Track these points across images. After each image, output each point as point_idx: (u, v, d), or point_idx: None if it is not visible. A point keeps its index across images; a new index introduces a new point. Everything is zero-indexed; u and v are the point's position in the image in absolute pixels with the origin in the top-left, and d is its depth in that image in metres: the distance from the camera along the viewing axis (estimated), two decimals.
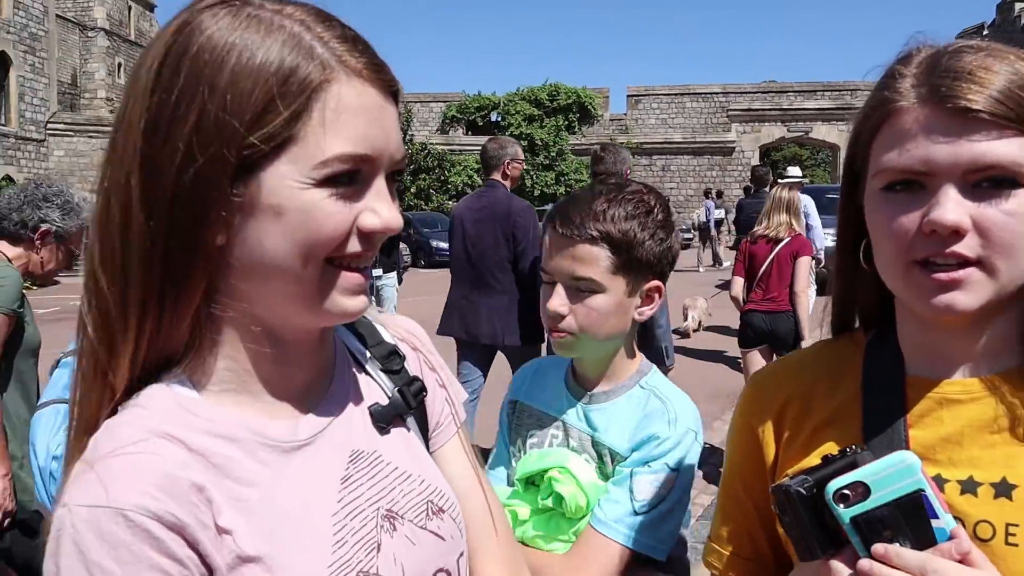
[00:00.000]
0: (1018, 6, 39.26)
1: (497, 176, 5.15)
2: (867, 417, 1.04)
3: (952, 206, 0.90)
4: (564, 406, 1.63)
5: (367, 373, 1.05)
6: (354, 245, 0.86)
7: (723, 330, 11.03)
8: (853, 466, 0.89)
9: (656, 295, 1.59)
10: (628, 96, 36.45)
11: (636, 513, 1.46)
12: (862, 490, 0.86)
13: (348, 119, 0.83)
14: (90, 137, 32.34)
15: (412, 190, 32.95)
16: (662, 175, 34.38)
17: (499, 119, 36.88)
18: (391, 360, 1.07)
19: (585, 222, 1.49)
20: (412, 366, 1.10)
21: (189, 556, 0.77)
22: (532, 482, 1.57)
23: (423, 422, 1.08)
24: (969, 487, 0.96)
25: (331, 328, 0.99)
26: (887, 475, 0.86)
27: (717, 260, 22.61)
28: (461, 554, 1.02)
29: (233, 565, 0.80)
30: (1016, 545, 0.92)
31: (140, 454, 0.79)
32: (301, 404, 0.93)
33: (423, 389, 1.07)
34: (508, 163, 5.14)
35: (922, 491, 0.85)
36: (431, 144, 34.34)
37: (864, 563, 0.84)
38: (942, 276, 0.91)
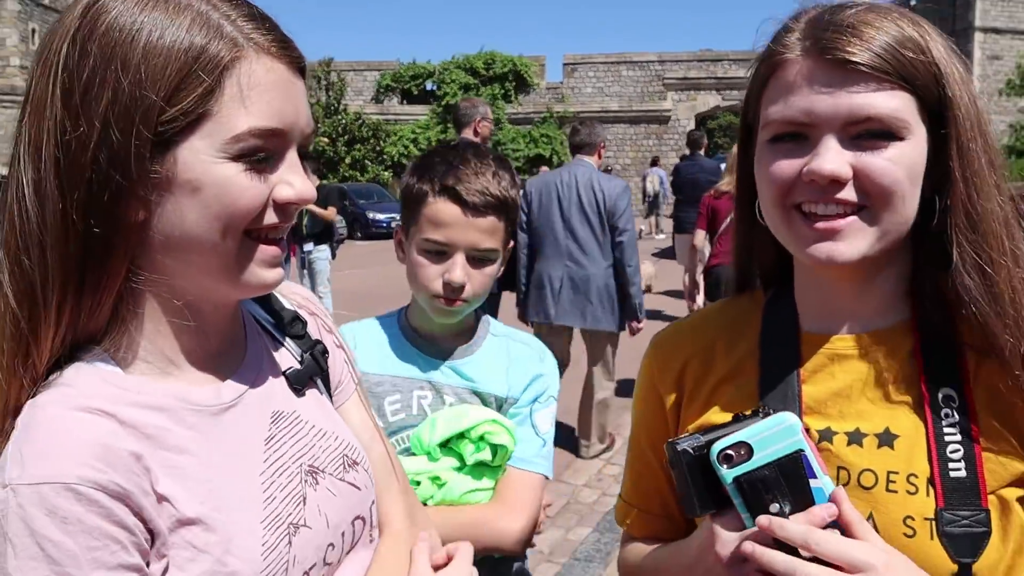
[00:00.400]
0: None
1: (468, 133, 5.22)
2: (763, 373, 1.08)
3: (831, 156, 0.92)
4: (424, 367, 1.66)
5: (276, 340, 1.10)
6: (271, 217, 0.90)
7: (672, 293, 11.48)
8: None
9: (508, 255, 1.69)
10: (564, 64, 36.30)
11: (544, 444, 1.62)
12: (745, 451, 0.88)
13: (259, 94, 0.86)
14: (4, 107, 30.98)
15: (347, 161, 32.46)
16: None
17: (435, 88, 36.44)
18: (295, 326, 1.13)
19: (490, 192, 1.55)
20: (312, 330, 1.16)
21: (135, 523, 0.80)
22: (446, 444, 1.58)
23: (326, 382, 1.15)
24: (855, 438, 1.01)
25: (239, 302, 1.03)
26: (768, 436, 0.88)
27: (659, 229, 22.66)
28: (373, 502, 1.10)
29: (173, 528, 0.84)
30: (895, 492, 0.97)
31: (73, 430, 0.81)
32: (220, 372, 0.97)
33: (325, 351, 1.14)
34: (479, 121, 5.24)
35: (802, 452, 0.89)
36: (365, 114, 33.81)
37: (747, 546, 0.87)
38: (821, 225, 0.95)
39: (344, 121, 32.56)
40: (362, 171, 32.50)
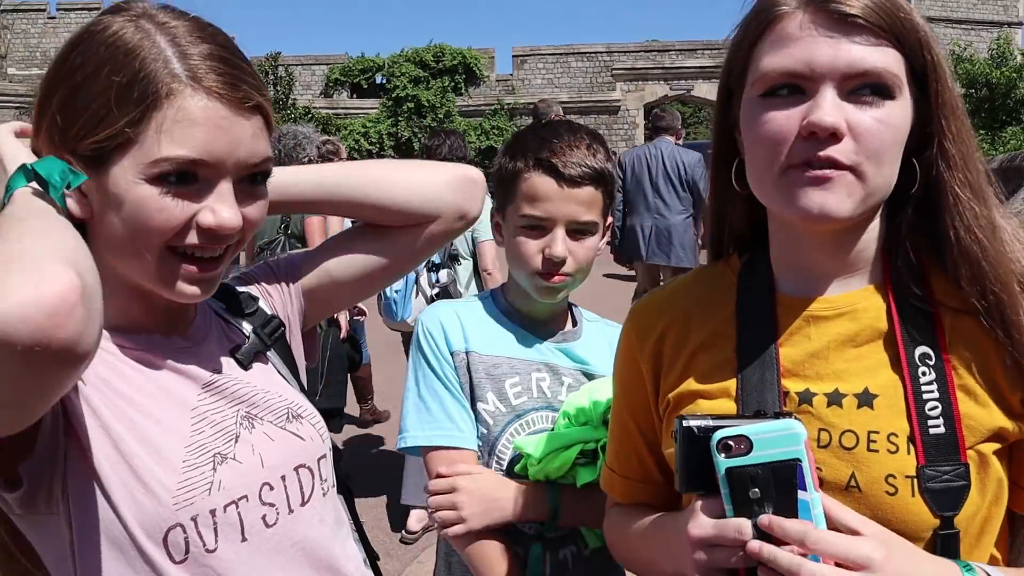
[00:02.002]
0: None
1: None
2: (741, 338, 1.08)
3: (830, 108, 0.92)
4: (538, 349, 1.64)
5: (228, 323, 1.21)
6: (189, 238, 1.00)
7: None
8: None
9: (608, 230, 1.66)
10: (514, 57, 36.29)
11: None
12: (745, 445, 0.89)
13: (184, 128, 0.96)
14: None
15: None
16: None
17: (384, 81, 36.16)
18: (247, 304, 1.24)
19: (586, 163, 1.52)
20: (267, 306, 1.27)
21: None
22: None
23: (287, 352, 1.25)
24: (835, 399, 1.01)
25: None
26: (772, 437, 0.89)
27: None
28: (323, 456, 1.18)
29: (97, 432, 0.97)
30: (876, 451, 0.98)
31: None
32: (166, 332, 1.11)
33: (281, 324, 1.25)
34: (553, 116, 6.11)
35: (799, 461, 0.88)
36: (315, 108, 33.43)
37: (754, 544, 0.87)
38: (815, 172, 0.93)
39: (293, 116, 32.22)
40: None
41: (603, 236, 1.63)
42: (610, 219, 1.65)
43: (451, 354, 1.60)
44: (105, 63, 0.95)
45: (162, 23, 0.98)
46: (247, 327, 1.21)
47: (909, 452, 0.97)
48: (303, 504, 1.11)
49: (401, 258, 1.31)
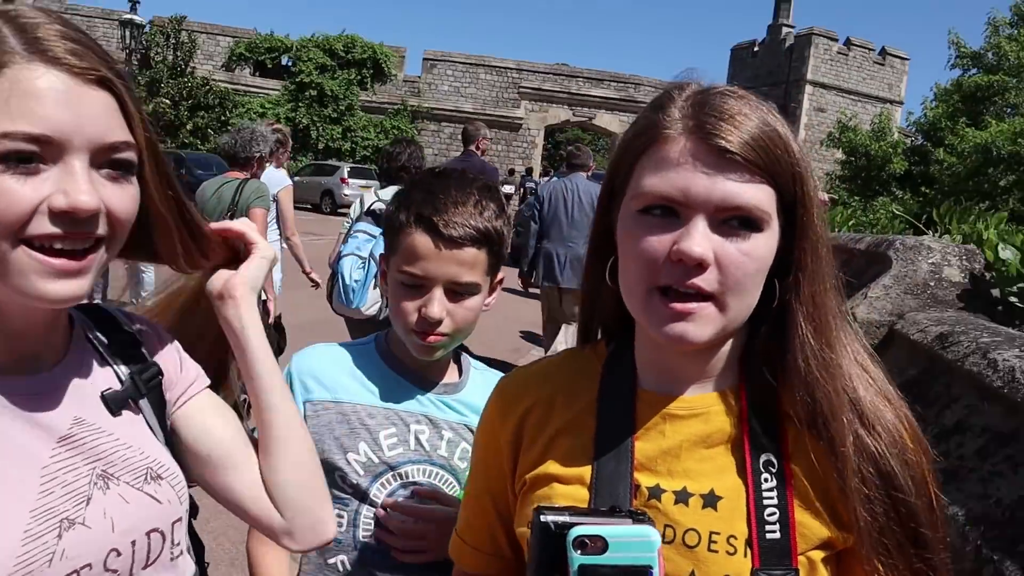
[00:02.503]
0: (785, 30, 43.00)
1: (472, 147, 7.22)
2: (600, 428, 1.11)
3: (700, 239, 0.96)
4: (418, 400, 1.59)
5: (106, 362, 1.10)
6: (42, 226, 0.87)
7: None
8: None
9: (499, 286, 1.62)
10: (424, 59, 36.17)
11: None
12: (601, 545, 0.90)
13: (20, 101, 0.85)
14: None
15: (188, 127, 30.85)
16: (449, 142, 34.59)
17: (290, 64, 35.35)
18: (128, 348, 1.13)
19: (469, 224, 1.47)
20: (150, 350, 1.16)
21: None
22: None
23: (159, 401, 1.14)
24: (682, 497, 1.05)
25: (59, 312, 1.02)
26: (627, 541, 0.91)
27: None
28: (178, 520, 1.08)
29: None
30: (716, 552, 1.02)
31: None
32: (26, 371, 0.98)
33: (159, 372, 1.14)
34: (481, 140, 7.29)
35: (651, 569, 0.91)
36: (214, 80, 32.32)
37: None
38: (678, 306, 0.98)
39: (190, 85, 31.08)
40: (204, 140, 31.03)
41: (490, 294, 1.59)
42: (501, 274, 1.61)
43: (318, 403, 1.57)
44: None
45: (2, 10, 0.90)
46: (124, 370, 1.11)
47: (746, 555, 1.00)
48: (144, 567, 1.04)
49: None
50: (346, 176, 27.69)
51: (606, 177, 1.11)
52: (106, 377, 1.08)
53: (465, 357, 1.70)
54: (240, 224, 1.25)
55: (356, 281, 4.56)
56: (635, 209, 1.02)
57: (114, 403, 1.06)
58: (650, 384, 1.12)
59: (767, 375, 1.07)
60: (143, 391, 1.11)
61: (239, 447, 1.18)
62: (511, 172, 25.73)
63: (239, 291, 1.20)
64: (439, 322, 1.48)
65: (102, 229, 0.92)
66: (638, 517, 0.95)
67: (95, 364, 1.08)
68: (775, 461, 1.03)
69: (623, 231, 1.04)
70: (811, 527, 1.02)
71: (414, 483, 1.56)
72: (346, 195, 27.00)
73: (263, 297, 6.19)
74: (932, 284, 3.20)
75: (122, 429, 1.06)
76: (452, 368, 1.66)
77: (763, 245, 0.99)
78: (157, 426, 1.13)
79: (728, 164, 0.96)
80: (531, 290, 8.23)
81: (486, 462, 1.24)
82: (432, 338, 1.49)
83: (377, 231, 4.55)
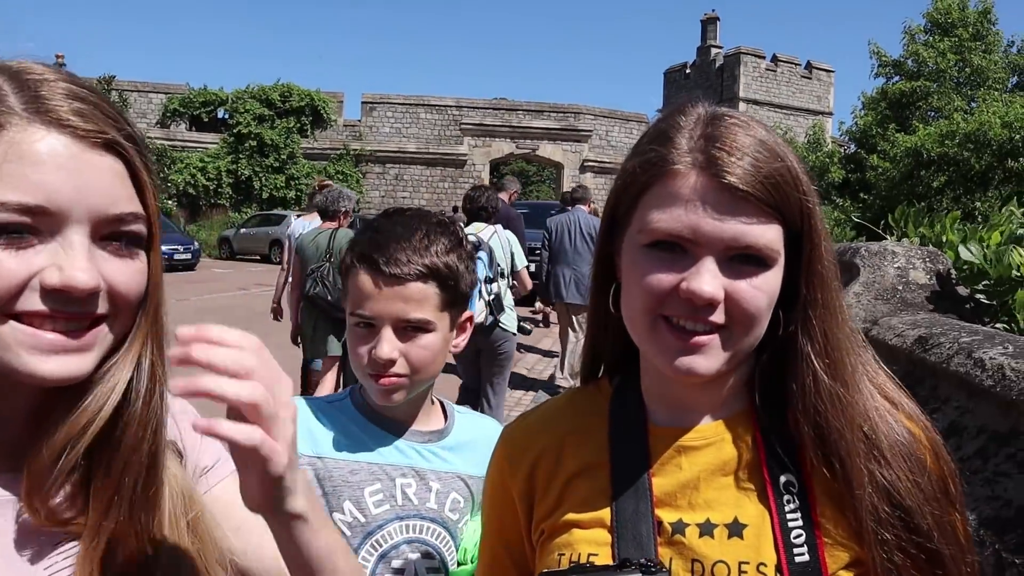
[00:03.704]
0: (714, 51, 44.03)
1: (504, 196, 8.57)
2: (615, 468, 1.08)
3: (709, 278, 0.94)
4: (401, 451, 1.52)
5: None
6: (32, 302, 0.79)
7: None
8: None
9: (468, 325, 1.57)
10: (363, 103, 36.17)
11: None
12: None
13: (15, 166, 0.77)
14: None
15: None
16: (395, 183, 34.59)
17: (227, 116, 35.09)
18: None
19: (412, 259, 1.42)
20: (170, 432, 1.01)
21: None
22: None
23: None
24: (706, 529, 1.02)
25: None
26: None
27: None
28: None
29: None
30: None
31: None
32: (19, 462, 0.85)
33: (178, 452, 1.00)
34: (512, 194, 9.43)
35: None
36: (150, 138, 31.90)
37: None
38: (687, 340, 0.97)
39: None
40: None
41: (458, 334, 1.54)
42: (466, 312, 1.57)
43: (302, 456, 1.44)
44: None
45: (3, 65, 0.82)
46: None
47: None
48: None
49: None
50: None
51: (608, 207, 1.09)
52: None
53: (449, 404, 1.64)
54: (255, 393, 0.80)
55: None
56: (641, 243, 0.99)
57: None
58: (660, 418, 1.09)
59: (776, 397, 1.04)
60: None
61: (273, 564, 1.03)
62: (455, 210, 25.73)
63: (304, 502, 0.88)
64: (391, 362, 1.42)
65: (103, 308, 0.83)
66: (649, 569, 0.92)
67: None
68: (795, 481, 1.01)
69: (628, 263, 1.02)
70: (839, 546, 0.99)
71: (395, 545, 1.47)
72: None
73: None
74: (900, 288, 3.23)
75: None
76: (437, 415, 1.60)
77: (772, 280, 0.98)
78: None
79: (739, 203, 0.94)
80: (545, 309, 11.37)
81: (499, 515, 1.20)
82: (385, 380, 1.43)
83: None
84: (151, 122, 34.62)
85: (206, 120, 35.30)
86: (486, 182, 35.33)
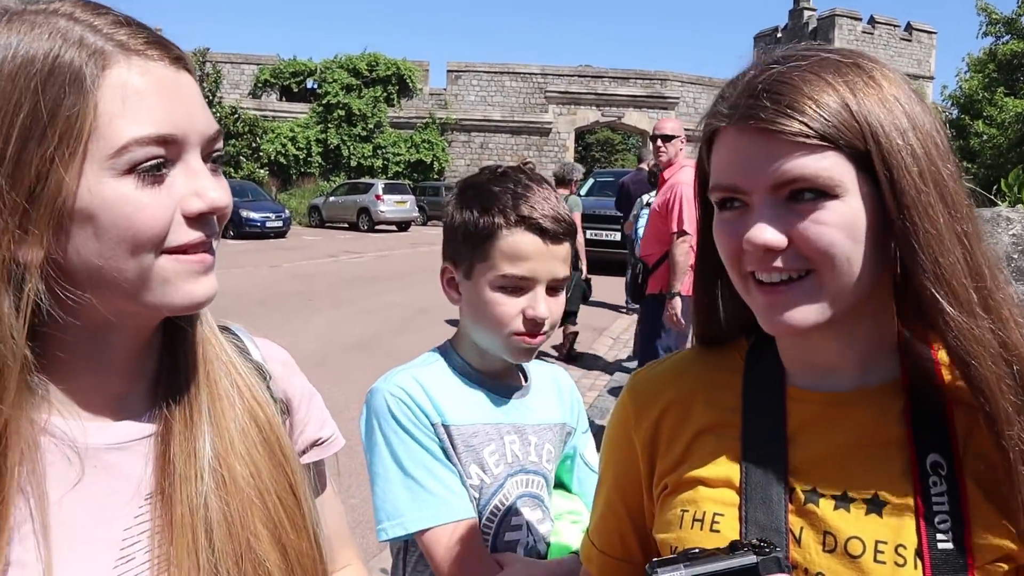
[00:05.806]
0: (807, 13, 42.55)
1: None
2: (747, 428, 1.05)
3: (763, 225, 0.92)
4: (502, 409, 1.55)
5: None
6: (182, 234, 0.80)
7: None
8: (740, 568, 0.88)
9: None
10: (448, 71, 36.34)
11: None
12: None
13: (138, 101, 0.77)
14: None
15: None
16: (480, 152, 34.68)
17: (315, 86, 35.75)
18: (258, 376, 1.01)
19: (563, 219, 1.48)
20: (277, 386, 1.03)
21: None
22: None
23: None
24: (843, 502, 0.97)
25: (159, 335, 0.92)
26: None
27: None
28: None
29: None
30: (884, 563, 0.93)
31: None
32: (119, 412, 0.87)
33: (285, 411, 1.03)
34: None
35: None
36: (242, 108, 32.81)
37: None
38: (773, 293, 0.93)
39: (219, 115, 31.57)
40: (236, 168, 31.52)
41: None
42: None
43: (432, 426, 1.48)
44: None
45: (39, 10, 0.78)
46: None
47: (916, 567, 0.91)
48: None
49: None
50: (381, 193, 27.56)
51: (696, 169, 1.07)
52: None
53: None
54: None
55: None
56: (715, 203, 0.99)
57: None
58: (799, 379, 1.04)
59: (928, 363, 0.98)
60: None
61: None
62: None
63: None
64: (544, 321, 1.47)
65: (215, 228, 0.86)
66: (763, 550, 0.88)
67: None
68: (943, 461, 0.93)
69: (714, 227, 1.01)
70: (988, 537, 0.91)
71: (527, 494, 1.54)
72: (382, 212, 27.14)
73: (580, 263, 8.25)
74: (1016, 256, 3.05)
75: None
76: (518, 368, 1.64)
77: (843, 210, 0.89)
78: None
79: (775, 143, 0.90)
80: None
81: (618, 465, 1.18)
82: (540, 338, 1.48)
83: None
84: (243, 93, 35.59)
85: (296, 90, 36.06)
86: (571, 150, 35.18)
